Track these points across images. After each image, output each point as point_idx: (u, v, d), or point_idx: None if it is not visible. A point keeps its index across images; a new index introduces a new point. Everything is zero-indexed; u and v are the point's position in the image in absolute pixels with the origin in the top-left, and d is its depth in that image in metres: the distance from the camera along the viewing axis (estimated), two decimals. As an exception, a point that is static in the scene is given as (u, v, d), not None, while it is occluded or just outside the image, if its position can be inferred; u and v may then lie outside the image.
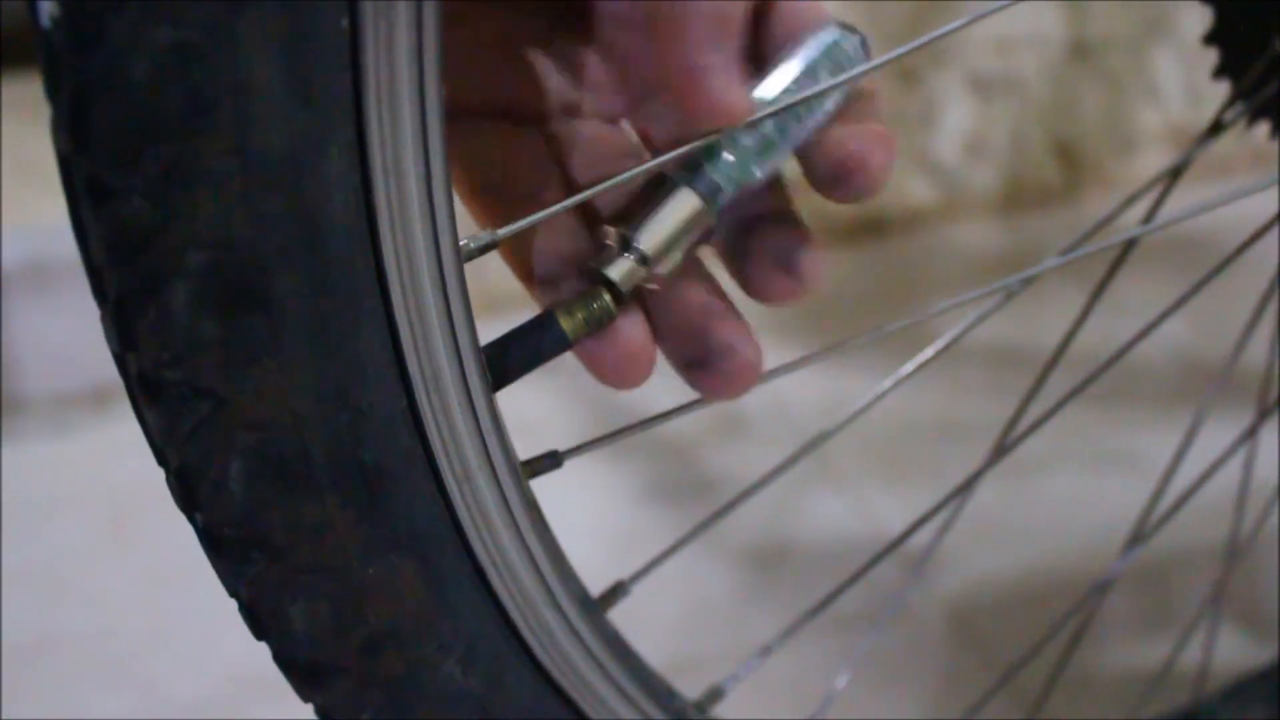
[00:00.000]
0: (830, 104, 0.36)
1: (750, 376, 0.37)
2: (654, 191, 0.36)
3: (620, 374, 0.36)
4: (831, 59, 0.36)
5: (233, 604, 0.34)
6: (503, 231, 0.34)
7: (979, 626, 0.88)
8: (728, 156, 0.35)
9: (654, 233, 0.35)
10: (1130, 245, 0.50)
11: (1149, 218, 0.51)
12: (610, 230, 0.35)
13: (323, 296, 0.30)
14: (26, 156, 1.17)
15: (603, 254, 0.35)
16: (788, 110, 0.35)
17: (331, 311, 0.30)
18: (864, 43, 0.37)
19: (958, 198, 1.44)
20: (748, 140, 0.35)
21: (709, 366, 0.37)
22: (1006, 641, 0.85)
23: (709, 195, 0.35)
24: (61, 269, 1.10)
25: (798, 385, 0.99)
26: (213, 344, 0.29)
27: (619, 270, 0.35)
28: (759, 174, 0.36)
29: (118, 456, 1.01)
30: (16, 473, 1.08)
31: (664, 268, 0.36)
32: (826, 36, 0.36)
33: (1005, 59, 1.41)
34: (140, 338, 0.30)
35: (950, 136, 1.42)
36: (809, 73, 0.36)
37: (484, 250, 0.34)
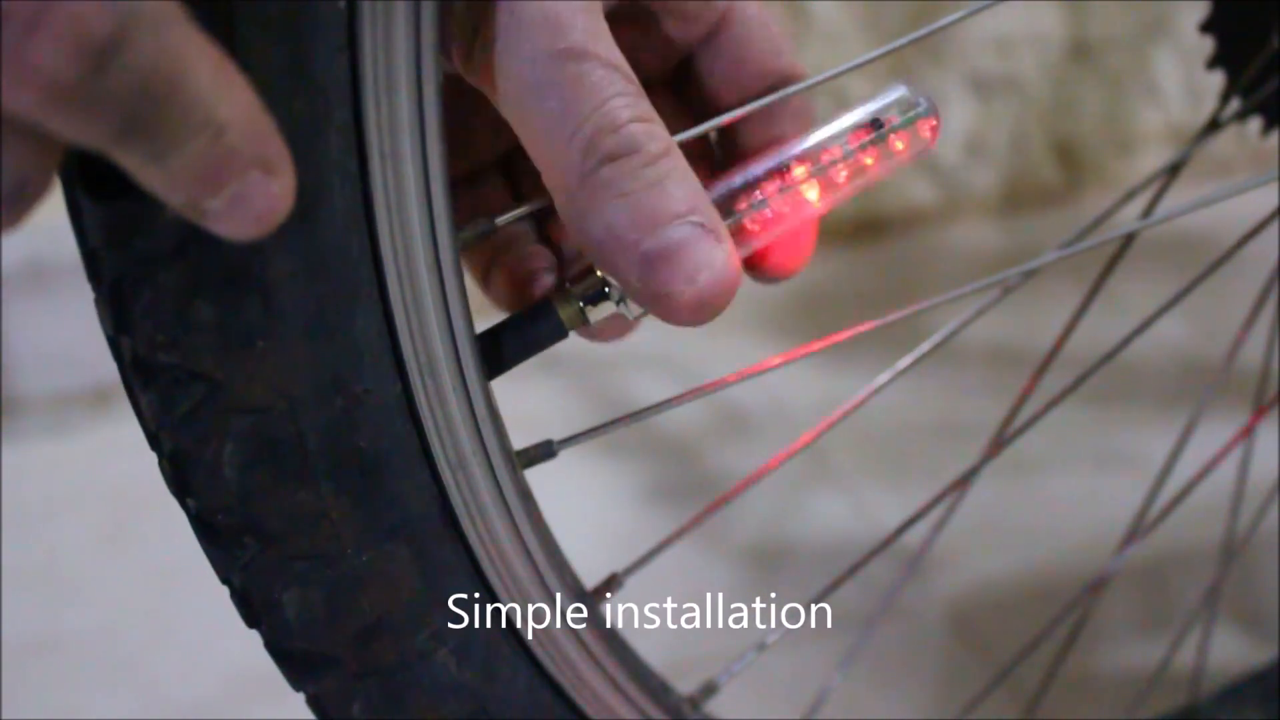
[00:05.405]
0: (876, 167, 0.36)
1: None
2: None
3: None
4: (889, 114, 0.36)
5: (232, 604, 0.34)
6: (500, 220, 0.34)
7: (978, 626, 0.88)
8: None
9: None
10: (1129, 240, 0.50)
11: (1147, 213, 0.51)
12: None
13: (318, 280, 0.30)
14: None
15: (587, 282, 0.35)
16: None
17: (327, 295, 0.30)
18: (929, 104, 0.36)
19: (958, 198, 1.44)
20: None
21: None
22: (1006, 641, 0.85)
23: None
24: (61, 269, 1.10)
25: (796, 384, 0.99)
26: (208, 327, 0.29)
27: (598, 314, 0.35)
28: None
29: (118, 456, 1.01)
30: (16, 473, 1.08)
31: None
32: (892, 92, 0.36)
33: (1005, 59, 1.41)
34: (135, 321, 0.30)
35: (950, 136, 1.42)
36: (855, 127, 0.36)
37: (480, 238, 0.34)
